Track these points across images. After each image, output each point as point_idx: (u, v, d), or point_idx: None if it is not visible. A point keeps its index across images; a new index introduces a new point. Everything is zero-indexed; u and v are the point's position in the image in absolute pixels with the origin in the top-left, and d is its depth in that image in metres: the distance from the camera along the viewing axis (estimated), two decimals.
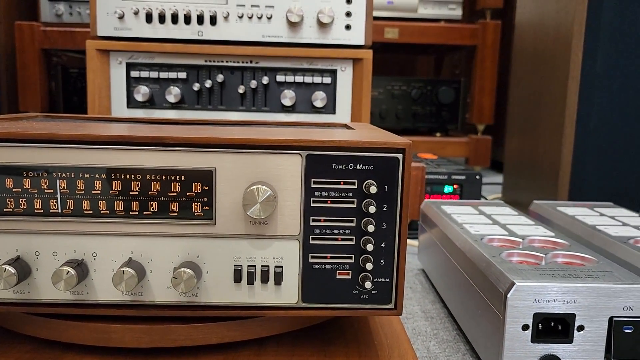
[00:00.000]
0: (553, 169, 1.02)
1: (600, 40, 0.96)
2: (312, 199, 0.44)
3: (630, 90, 0.96)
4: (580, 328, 0.45)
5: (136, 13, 0.93)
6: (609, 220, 0.70)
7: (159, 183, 0.44)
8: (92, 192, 0.44)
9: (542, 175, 1.07)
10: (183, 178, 0.44)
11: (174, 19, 0.94)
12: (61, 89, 1.72)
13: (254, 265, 0.45)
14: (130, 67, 0.96)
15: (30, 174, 0.44)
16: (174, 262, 0.45)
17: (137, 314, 0.45)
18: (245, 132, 0.48)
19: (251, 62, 0.97)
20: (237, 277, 0.45)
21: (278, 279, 0.45)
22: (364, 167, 0.44)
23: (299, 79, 0.97)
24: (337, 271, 0.45)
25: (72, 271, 0.42)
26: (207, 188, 0.44)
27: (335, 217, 0.45)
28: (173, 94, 0.95)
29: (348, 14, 0.95)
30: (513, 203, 1.21)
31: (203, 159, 0.43)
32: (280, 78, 0.97)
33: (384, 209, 0.44)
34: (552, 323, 0.45)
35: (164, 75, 0.96)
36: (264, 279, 0.45)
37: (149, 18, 0.93)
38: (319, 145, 0.44)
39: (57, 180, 0.44)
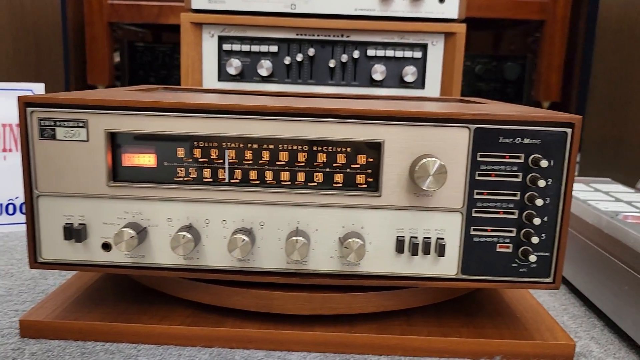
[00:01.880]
0: None
1: None
2: (477, 172, 0.45)
3: None
4: None
5: None
6: None
7: (325, 154, 0.45)
8: (260, 162, 0.45)
9: (631, 154, 1.05)
10: (349, 150, 0.45)
11: None
12: (127, 62, 1.74)
13: (417, 237, 0.46)
14: (222, 40, 0.96)
15: (201, 143, 0.45)
16: (339, 232, 0.46)
17: (300, 282, 0.47)
18: (400, 105, 0.49)
19: (342, 35, 0.96)
20: (400, 248, 0.46)
21: (441, 251, 0.45)
22: (530, 141, 0.44)
23: (389, 53, 0.96)
24: (498, 244, 0.46)
25: (247, 238, 0.44)
26: (372, 160, 0.45)
27: (498, 190, 0.45)
28: (265, 67, 0.96)
29: None
30: None
31: (372, 131, 0.44)
32: (370, 52, 0.96)
33: (549, 183, 0.44)
34: None
35: (255, 48, 0.96)
36: (426, 250, 0.46)
37: None
38: (489, 119, 0.43)
39: (226, 150, 0.45)
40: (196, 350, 0.47)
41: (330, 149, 0.45)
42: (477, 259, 0.46)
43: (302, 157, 0.45)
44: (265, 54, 0.97)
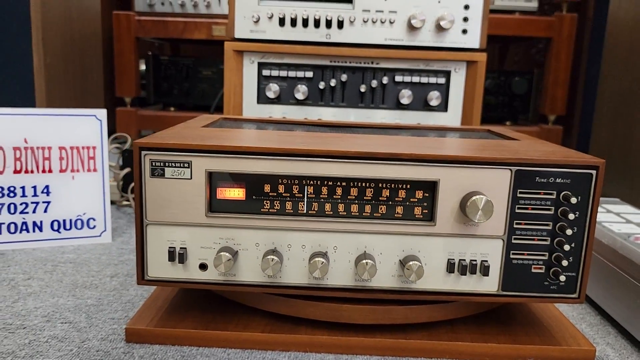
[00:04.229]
0: None
1: None
2: (516, 205, 0.53)
3: None
4: None
5: (270, 17, 1.02)
6: None
7: (388, 190, 0.53)
8: (334, 196, 0.53)
9: (636, 169, 1.14)
10: (409, 187, 0.53)
11: (305, 22, 1.02)
12: (152, 75, 1.82)
13: (465, 259, 0.54)
14: (261, 66, 1.05)
15: (284, 180, 0.53)
16: (399, 255, 0.54)
17: (366, 297, 0.55)
18: (452, 149, 0.57)
19: (372, 63, 1.05)
20: (450, 269, 0.54)
21: (485, 271, 0.54)
22: (562, 180, 0.53)
23: (415, 79, 1.05)
24: (533, 266, 0.54)
25: (325, 261, 0.52)
26: (428, 195, 0.53)
27: (534, 221, 0.53)
28: (301, 91, 1.04)
29: (465, 19, 1.02)
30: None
31: (429, 172, 0.52)
32: (398, 78, 1.05)
33: (577, 215, 0.53)
34: None
35: (292, 74, 1.05)
36: (472, 270, 0.54)
37: (282, 22, 1.02)
38: (528, 162, 0.52)
39: (306, 187, 0.53)
40: (276, 353, 0.55)
41: (393, 185, 0.53)
42: (515, 278, 0.55)
43: (369, 193, 0.53)
44: (301, 79, 1.05)
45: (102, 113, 0.89)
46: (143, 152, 0.52)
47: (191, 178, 0.53)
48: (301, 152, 0.52)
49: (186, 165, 0.52)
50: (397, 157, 0.52)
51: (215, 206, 0.54)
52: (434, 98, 1.04)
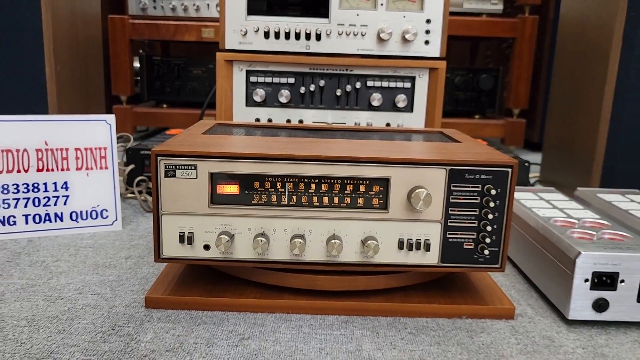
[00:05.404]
0: (588, 158, 1.25)
1: (634, 54, 1.18)
2: (451, 196, 0.68)
3: None
4: (622, 281, 0.69)
5: (257, 31, 1.15)
6: (638, 205, 0.93)
7: (351, 185, 0.68)
8: (309, 190, 0.68)
9: (578, 161, 1.30)
10: (368, 182, 0.68)
11: (287, 35, 1.16)
12: (145, 75, 1.94)
13: (412, 239, 0.69)
14: (249, 73, 1.19)
15: (270, 178, 0.68)
16: (360, 236, 0.69)
17: (334, 269, 0.70)
18: (401, 152, 0.72)
19: (347, 70, 1.19)
20: (400, 246, 0.69)
21: (427, 248, 0.69)
22: (485, 177, 0.68)
23: (384, 84, 1.20)
24: (464, 243, 0.70)
25: (302, 241, 0.67)
26: (383, 189, 0.68)
27: (464, 208, 0.69)
28: (284, 95, 1.18)
29: (427, 32, 1.17)
30: (550, 182, 1.44)
31: (383, 171, 0.67)
32: (369, 83, 1.19)
33: (497, 203, 0.68)
34: (604, 278, 0.69)
35: (276, 80, 1.19)
36: (417, 247, 0.69)
37: (267, 35, 1.15)
38: (458, 162, 0.67)
39: (287, 183, 0.68)
40: (265, 315, 0.70)
41: (355, 182, 0.68)
42: (451, 252, 0.70)
43: (337, 188, 0.68)
44: (284, 85, 1.19)
45: (112, 118, 1.02)
46: (159, 158, 0.66)
47: (197, 178, 0.67)
48: (283, 157, 0.67)
49: (193, 167, 0.67)
50: (358, 159, 0.67)
51: (215, 199, 0.68)
52: (401, 100, 1.19)
